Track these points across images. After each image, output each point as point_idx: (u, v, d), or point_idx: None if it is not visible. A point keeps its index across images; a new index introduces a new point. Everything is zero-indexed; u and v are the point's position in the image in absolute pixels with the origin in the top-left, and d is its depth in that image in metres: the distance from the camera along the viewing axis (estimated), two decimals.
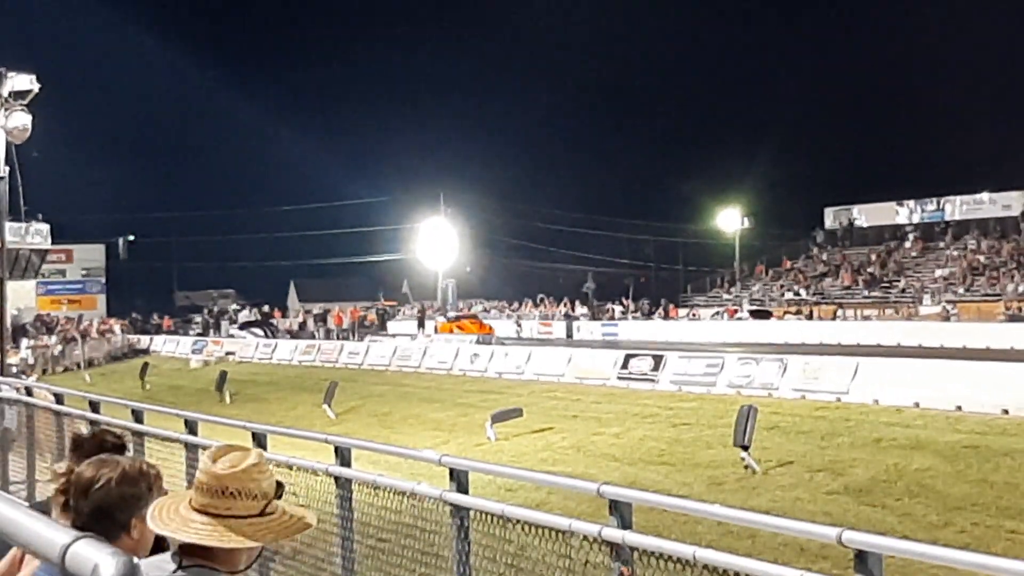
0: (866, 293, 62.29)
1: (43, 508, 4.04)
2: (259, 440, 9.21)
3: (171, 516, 2.67)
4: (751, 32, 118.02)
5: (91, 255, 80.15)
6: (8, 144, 23.65)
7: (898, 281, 62.65)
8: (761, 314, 59.61)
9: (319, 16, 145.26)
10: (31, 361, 50.34)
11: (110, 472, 3.14)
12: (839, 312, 58.34)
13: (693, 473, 18.30)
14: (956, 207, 67.05)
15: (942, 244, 65.29)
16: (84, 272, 79.94)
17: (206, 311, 77.99)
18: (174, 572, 2.66)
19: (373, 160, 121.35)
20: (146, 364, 44.09)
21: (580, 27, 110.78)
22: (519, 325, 63.91)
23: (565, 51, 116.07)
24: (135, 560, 1.75)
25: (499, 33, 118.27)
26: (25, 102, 23.99)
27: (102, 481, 3.10)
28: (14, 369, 39.17)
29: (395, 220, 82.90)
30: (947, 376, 24.79)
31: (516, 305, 73.21)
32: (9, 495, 10.52)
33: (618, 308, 68.02)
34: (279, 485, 2.75)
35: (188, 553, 2.66)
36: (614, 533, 5.48)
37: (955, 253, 62.79)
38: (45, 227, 57.43)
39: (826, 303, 61.73)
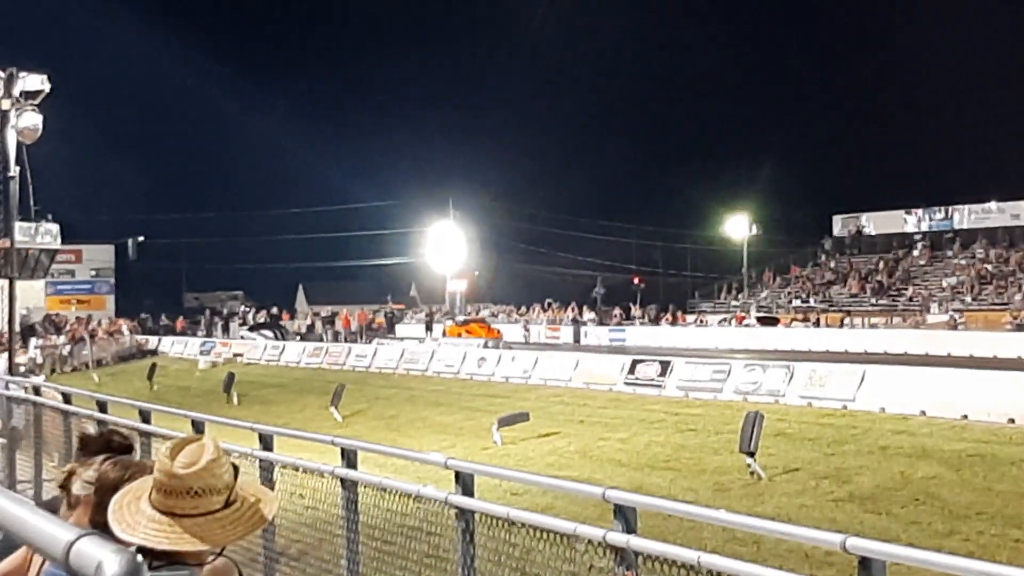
0: (873, 301, 62.23)
1: (51, 507, 4.06)
2: (265, 441, 9.22)
3: (135, 517, 2.60)
4: (761, 40, 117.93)
5: (100, 255, 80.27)
6: (19, 144, 23.73)
7: (906, 289, 62.55)
8: (768, 321, 59.56)
9: (330, 22, 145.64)
10: (40, 361, 50.37)
11: (139, 472, 3.16)
12: (846, 320, 58.25)
13: (699, 479, 18.29)
14: (964, 216, 66.97)
15: (950, 253, 65.19)
16: (93, 272, 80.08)
17: (208, 312, 78.05)
18: None
19: (382, 164, 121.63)
20: (154, 365, 44.18)
21: (589, 34, 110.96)
22: (527, 329, 63.89)
23: (575, 57, 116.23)
24: (139, 558, 1.76)
25: (509, 39, 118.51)
26: (36, 102, 24.06)
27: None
28: (22, 368, 39.25)
29: (404, 224, 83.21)
30: (954, 385, 24.76)
31: (524, 309, 73.20)
32: (16, 494, 10.55)
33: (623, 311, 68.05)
34: (235, 469, 2.69)
35: (153, 550, 2.57)
36: (619, 537, 5.48)
37: (963, 262, 62.70)
38: (55, 227, 57.46)
39: (833, 311, 61.63)
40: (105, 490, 3.15)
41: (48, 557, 1.94)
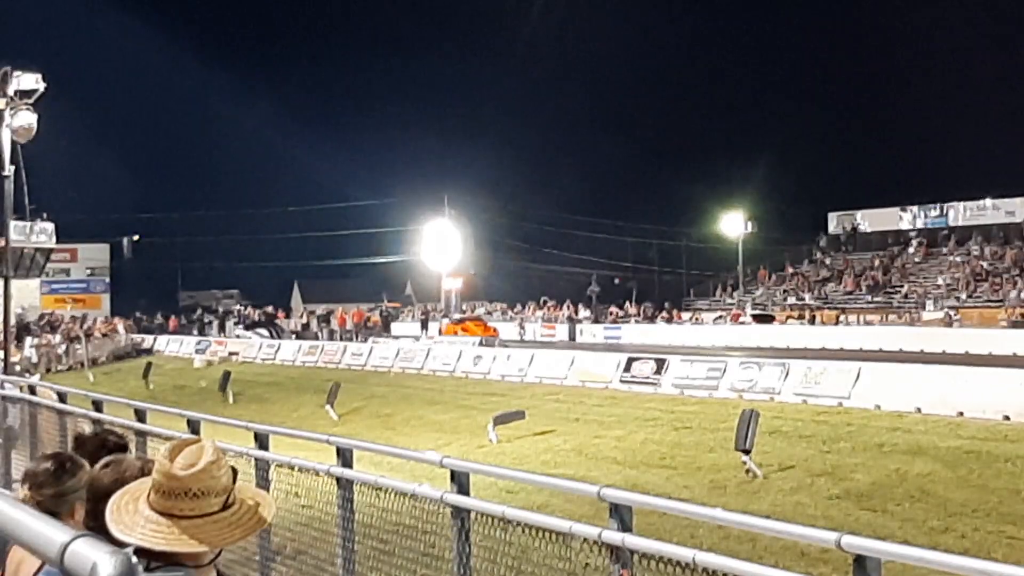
0: (869, 298, 62.24)
1: None
2: (261, 440, 9.22)
3: (132, 518, 2.59)
4: (756, 36, 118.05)
5: (95, 254, 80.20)
6: (13, 143, 23.73)
7: (901, 287, 62.58)
8: (764, 318, 59.60)
9: (325, 20, 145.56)
10: (35, 360, 50.33)
11: (131, 475, 3.15)
12: (842, 317, 58.26)
13: (694, 477, 18.29)
14: (959, 213, 66.98)
15: (945, 250, 65.22)
16: (88, 271, 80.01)
17: (200, 310, 77.95)
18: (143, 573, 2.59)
19: (378, 162, 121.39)
20: (150, 364, 44.07)
21: (584, 31, 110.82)
22: (522, 327, 63.89)
23: (570, 55, 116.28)
24: (133, 559, 1.77)
25: (504, 37, 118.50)
26: (31, 101, 24.07)
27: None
28: (18, 368, 39.24)
29: (399, 222, 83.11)
30: (949, 382, 24.78)
31: (519, 307, 73.20)
32: (11, 494, 10.55)
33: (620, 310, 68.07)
34: (234, 471, 2.68)
35: (150, 551, 2.56)
36: (614, 536, 5.49)
37: (958, 259, 62.73)
38: (50, 226, 57.46)
39: (829, 308, 61.63)
40: (97, 494, 3.14)
41: (43, 558, 1.94)
